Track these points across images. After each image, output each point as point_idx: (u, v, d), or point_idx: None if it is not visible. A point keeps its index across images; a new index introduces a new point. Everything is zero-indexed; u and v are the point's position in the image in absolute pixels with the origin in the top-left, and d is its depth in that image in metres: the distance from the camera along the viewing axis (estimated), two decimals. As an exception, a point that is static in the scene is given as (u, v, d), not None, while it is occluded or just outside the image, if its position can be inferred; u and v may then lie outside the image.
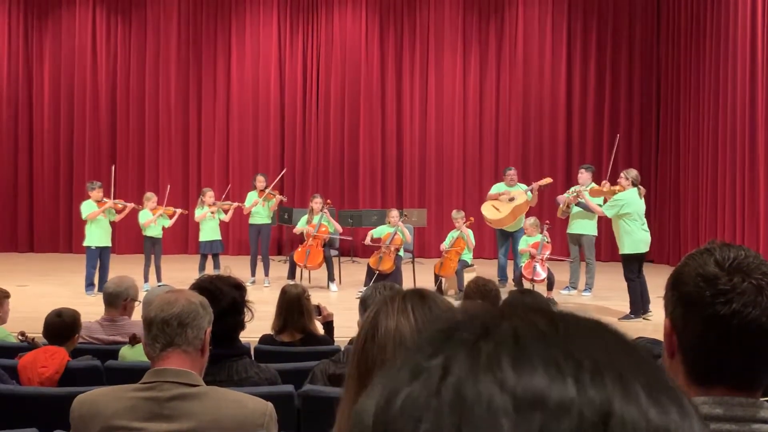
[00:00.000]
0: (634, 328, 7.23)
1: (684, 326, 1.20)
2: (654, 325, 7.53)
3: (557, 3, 13.92)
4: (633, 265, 7.86)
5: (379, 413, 0.42)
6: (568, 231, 9.62)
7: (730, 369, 1.17)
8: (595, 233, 9.52)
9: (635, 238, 7.78)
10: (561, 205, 9.49)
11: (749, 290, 1.15)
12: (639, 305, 7.91)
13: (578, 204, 9.21)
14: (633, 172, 8.12)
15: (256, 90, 14.07)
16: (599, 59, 13.92)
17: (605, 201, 8.45)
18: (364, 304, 3.04)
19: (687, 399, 0.42)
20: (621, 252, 7.98)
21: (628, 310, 8.03)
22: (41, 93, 14.11)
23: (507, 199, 9.81)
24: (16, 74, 14.09)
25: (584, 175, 9.44)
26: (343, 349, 3.12)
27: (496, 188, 10.14)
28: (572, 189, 9.44)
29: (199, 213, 9.97)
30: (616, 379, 0.39)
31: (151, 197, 9.83)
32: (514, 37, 14.01)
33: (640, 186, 8.01)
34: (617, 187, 8.14)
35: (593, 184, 9.25)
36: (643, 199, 7.98)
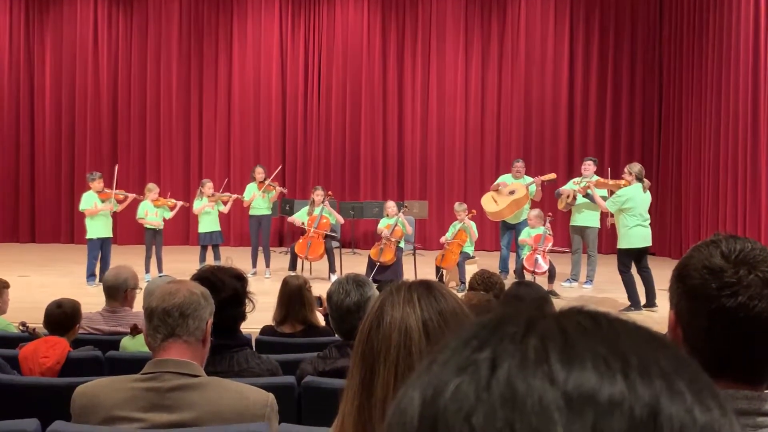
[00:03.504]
0: (635, 321, 7.23)
1: (689, 319, 1.19)
2: (660, 316, 7.54)
3: (560, -4, 13.89)
4: (626, 259, 7.92)
5: (426, 406, 0.41)
6: (572, 223, 9.62)
7: (735, 362, 1.16)
8: (598, 225, 9.52)
9: (631, 233, 7.83)
10: (563, 197, 9.47)
11: (755, 283, 1.14)
12: (637, 298, 7.94)
13: (586, 195, 9.20)
14: (636, 167, 8.12)
15: (258, 82, 14.05)
16: (601, 53, 13.88)
17: (610, 194, 8.46)
18: (329, 299, 3.04)
19: (725, 397, 0.42)
20: (618, 245, 8.06)
21: (628, 303, 8.05)
22: (43, 85, 14.09)
23: (507, 192, 9.80)
24: (18, 67, 14.07)
25: (591, 167, 9.42)
26: (330, 345, 3.09)
27: (503, 179, 10.15)
28: (577, 179, 9.44)
29: (198, 204, 9.97)
30: (662, 377, 0.40)
31: (153, 188, 9.82)
32: (516, 31, 13.97)
33: (644, 179, 8.01)
34: (622, 181, 8.16)
35: (596, 176, 9.25)
36: (648, 192, 7.99)
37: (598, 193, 8.95)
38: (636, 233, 7.83)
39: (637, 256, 7.92)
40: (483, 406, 0.39)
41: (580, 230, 9.52)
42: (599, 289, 9.37)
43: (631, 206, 7.83)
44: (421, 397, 0.41)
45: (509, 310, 0.44)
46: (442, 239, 9.67)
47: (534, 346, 0.40)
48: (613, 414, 0.38)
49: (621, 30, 13.85)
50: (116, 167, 10.11)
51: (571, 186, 9.44)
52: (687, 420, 0.39)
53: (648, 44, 13.80)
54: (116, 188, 9.59)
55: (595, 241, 9.53)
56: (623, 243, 7.91)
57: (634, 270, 8.01)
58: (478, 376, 0.40)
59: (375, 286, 3.15)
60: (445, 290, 1.24)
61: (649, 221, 7.99)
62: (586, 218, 9.40)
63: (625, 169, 8.15)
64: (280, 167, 11.79)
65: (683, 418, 0.39)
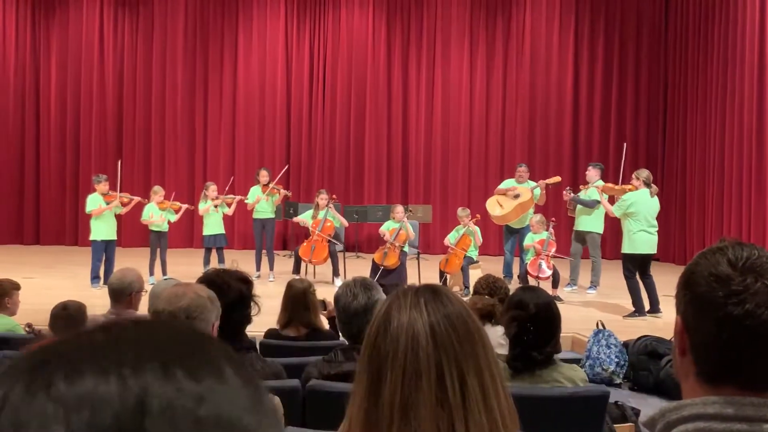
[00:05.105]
0: (638, 326, 7.23)
1: (696, 326, 1.19)
2: (663, 322, 7.52)
3: (565, 1, 13.89)
4: (630, 264, 7.92)
5: None
6: (575, 228, 9.62)
7: (741, 369, 1.16)
8: (601, 231, 9.51)
9: (634, 238, 7.84)
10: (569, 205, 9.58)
11: (762, 291, 1.14)
12: (641, 303, 7.92)
13: (575, 200, 9.28)
14: (644, 173, 8.13)
15: (263, 85, 14.07)
16: (606, 56, 13.88)
17: (616, 199, 8.49)
18: (337, 302, 3.04)
19: (236, 371, 0.50)
20: (621, 250, 8.09)
21: (632, 308, 8.03)
22: (48, 87, 14.13)
23: (512, 196, 9.80)
24: (23, 68, 14.11)
25: (592, 172, 9.45)
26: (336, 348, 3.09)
27: (506, 184, 10.15)
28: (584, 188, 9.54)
29: (202, 207, 9.99)
30: (157, 368, 0.46)
31: (158, 191, 9.85)
32: (521, 34, 13.98)
33: (652, 185, 8.03)
34: (629, 186, 8.17)
35: (601, 181, 9.27)
36: (656, 198, 8.00)
37: (593, 197, 9.08)
38: (640, 238, 7.82)
39: (641, 262, 7.90)
40: None
41: (582, 235, 9.52)
42: (604, 294, 9.35)
43: (635, 211, 7.83)
44: None
45: (32, 350, 0.50)
46: (446, 241, 9.68)
47: (49, 374, 0.46)
48: (105, 408, 0.44)
49: (626, 33, 13.85)
50: (120, 162, 10.15)
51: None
52: (176, 395, 0.45)
53: (653, 47, 13.79)
54: (120, 185, 9.65)
55: (597, 246, 9.52)
56: (627, 248, 7.92)
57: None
58: None
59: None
60: (451, 294, 1.25)
61: (656, 228, 7.96)
62: (587, 223, 9.41)
63: (633, 175, 8.17)
64: (286, 167, 11.81)
65: (171, 395, 0.45)
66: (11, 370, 0.48)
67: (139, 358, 0.47)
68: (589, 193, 9.33)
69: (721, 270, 1.16)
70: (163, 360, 0.47)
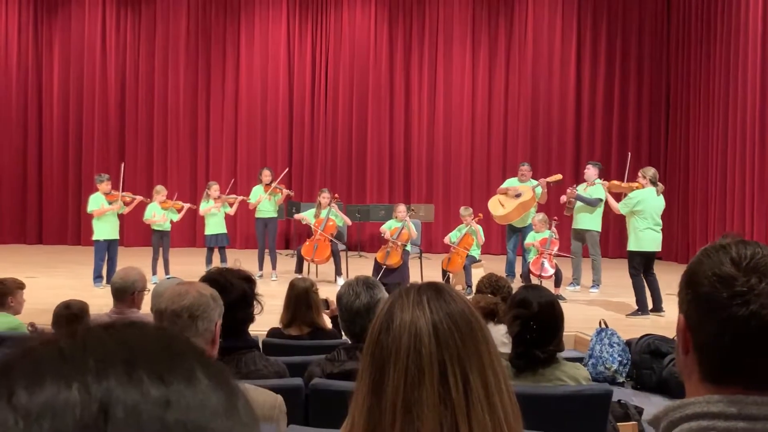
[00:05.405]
0: (641, 325, 7.22)
1: (699, 325, 1.18)
2: (666, 321, 7.52)
3: (567, 0, 13.87)
4: (636, 261, 7.95)
5: None
6: (573, 226, 9.63)
7: (745, 368, 1.15)
8: (599, 229, 9.52)
9: (641, 236, 7.87)
10: (566, 204, 9.56)
11: (767, 291, 1.13)
12: (645, 302, 7.93)
13: (578, 198, 9.27)
14: (650, 171, 8.16)
15: (265, 85, 14.08)
16: (609, 55, 13.87)
17: (623, 197, 8.50)
18: (339, 301, 3.04)
19: (208, 373, 0.48)
20: (627, 248, 8.10)
21: (635, 307, 8.03)
22: (51, 86, 14.15)
23: (514, 195, 9.80)
24: (26, 67, 14.13)
25: (591, 171, 9.47)
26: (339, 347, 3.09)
27: (508, 183, 10.15)
28: (583, 185, 9.52)
29: (204, 206, 10.00)
30: (121, 372, 0.45)
31: (160, 190, 9.86)
32: (523, 33, 13.97)
33: (658, 183, 8.06)
34: (636, 184, 8.21)
35: (599, 180, 9.29)
36: (661, 197, 8.02)
37: (595, 195, 9.11)
38: (647, 236, 7.87)
39: (646, 260, 7.92)
40: None
41: (580, 234, 9.52)
42: (606, 293, 9.35)
43: (642, 209, 7.88)
44: None
45: (7, 354, 0.49)
46: (446, 239, 9.68)
47: (4, 386, 0.45)
48: (66, 416, 0.43)
49: (628, 33, 13.83)
50: (123, 165, 10.16)
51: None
52: (140, 399, 0.44)
53: (655, 45, 13.78)
54: (123, 187, 9.64)
55: (596, 245, 9.52)
56: (633, 245, 7.95)
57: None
58: None
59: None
60: (454, 293, 1.25)
61: (660, 226, 8.02)
62: (587, 221, 9.41)
63: (639, 173, 8.20)
64: (286, 170, 11.80)
65: (136, 400, 0.44)
66: None
67: (104, 364, 0.46)
68: (590, 191, 9.33)
69: (725, 270, 1.15)
70: (128, 364, 0.46)
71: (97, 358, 0.46)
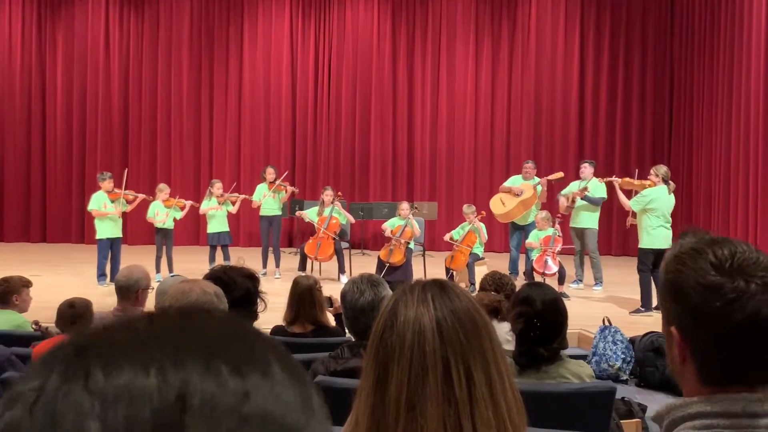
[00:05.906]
0: (645, 323, 7.21)
1: (696, 336, 1.16)
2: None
3: (570, -4, 13.86)
4: (646, 258, 7.98)
5: None
6: (571, 225, 9.65)
7: (746, 369, 1.15)
8: (597, 227, 9.53)
9: (653, 233, 7.94)
10: (563, 201, 9.56)
11: (757, 291, 1.11)
12: (650, 299, 7.93)
13: (584, 198, 9.28)
14: (663, 169, 8.21)
15: (268, 83, 14.08)
16: (612, 53, 13.84)
17: (634, 194, 8.53)
18: (344, 299, 3.05)
19: (283, 367, 0.48)
20: (639, 245, 8.13)
21: (639, 304, 8.03)
22: (54, 85, 14.17)
23: (515, 194, 9.82)
24: (29, 67, 14.14)
25: (587, 170, 9.56)
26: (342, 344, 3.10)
27: (512, 181, 10.16)
28: (578, 182, 9.55)
29: (205, 205, 10.01)
30: (199, 362, 0.45)
31: (163, 189, 9.86)
32: (526, 31, 13.95)
33: (670, 182, 8.10)
34: (648, 182, 8.25)
35: (595, 179, 9.37)
36: (672, 195, 8.07)
37: (597, 194, 9.13)
38: (659, 234, 7.92)
39: (655, 257, 7.93)
40: None
41: (579, 232, 9.54)
42: (609, 290, 9.35)
43: (655, 207, 7.94)
44: None
45: (71, 336, 0.48)
46: (447, 236, 9.68)
47: (79, 365, 0.44)
48: (143, 403, 0.42)
49: (632, 29, 13.80)
50: (126, 171, 10.15)
51: (571, 189, 9.54)
52: (217, 390, 0.44)
53: (659, 45, 13.75)
54: (125, 187, 9.64)
55: (594, 243, 9.53)
56: (645, 242, 7.98)
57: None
58: (24, 406, 0.44)
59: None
60: (458, 290, 1.25)
61: (670, 224, 8.07)
62: (585, 220, 9.44)
63: (651, 171, 8.27)
64: (287, 172, 11.77)
65: (214, 391, 0.44)
66: (49, 358, 0.46)
67: (182, 351, 0.45)
68: (592, 190, 9.35)
69: (710, 279, 1.12)
70: (207, 354, 0.45)
71: (175, 345, 0.45)
